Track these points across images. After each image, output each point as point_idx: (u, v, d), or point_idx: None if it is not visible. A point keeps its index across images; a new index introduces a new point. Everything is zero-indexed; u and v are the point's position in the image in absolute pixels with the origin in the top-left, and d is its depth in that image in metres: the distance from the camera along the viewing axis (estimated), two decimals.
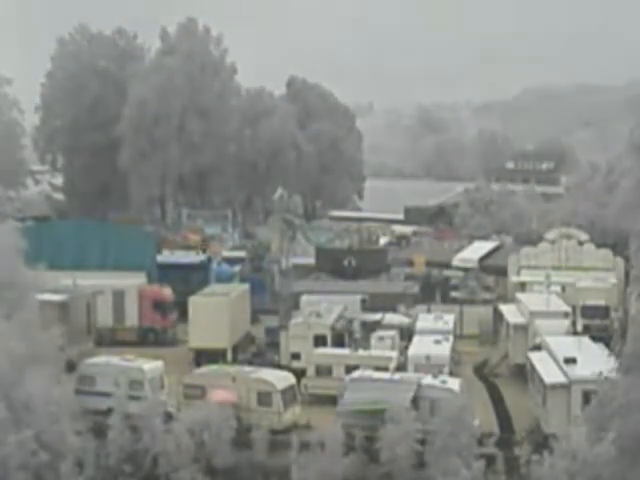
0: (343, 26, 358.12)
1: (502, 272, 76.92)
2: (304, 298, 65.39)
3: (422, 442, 43.07)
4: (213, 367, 51.80)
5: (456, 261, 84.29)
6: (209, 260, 76.57)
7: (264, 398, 47.66)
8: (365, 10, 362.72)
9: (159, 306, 65.75)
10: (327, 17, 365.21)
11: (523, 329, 59.01)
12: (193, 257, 78.21)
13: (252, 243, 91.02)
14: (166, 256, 77.35)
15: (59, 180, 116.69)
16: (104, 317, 64.33)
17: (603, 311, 64.13)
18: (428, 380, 47.06)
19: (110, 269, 67.53)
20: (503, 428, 48.18)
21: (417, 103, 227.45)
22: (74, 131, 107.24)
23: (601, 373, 40.85)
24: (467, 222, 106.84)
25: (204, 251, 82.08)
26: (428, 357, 52.51)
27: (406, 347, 55.88)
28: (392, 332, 58.54)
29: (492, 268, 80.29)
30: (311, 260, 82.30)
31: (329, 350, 55.79)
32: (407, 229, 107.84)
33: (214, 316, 59.87)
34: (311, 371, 53.56)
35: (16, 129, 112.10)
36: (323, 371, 53.15)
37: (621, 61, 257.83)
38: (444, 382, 46.91)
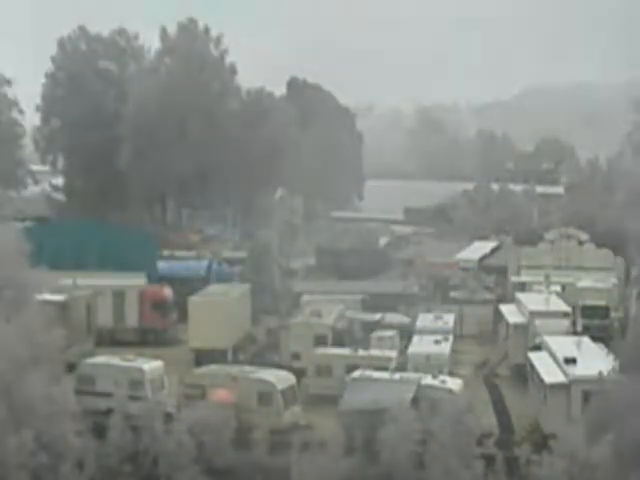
0: (341, 25, 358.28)
1: (502, 272, 76.93)
2: (304, 298, 65.41)
3: (422, 442, 43.11)
4: (213, 367, 51.82)
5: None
6: (210, 266, 75.94)
7: (264, 398, 47.66)
8: (365, 9, 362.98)
9: (159, 306, 65.75)
10: (326, 16, 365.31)
11: (523, 329, 59.04)
12: (194, 266, 76.81)
13: (252, 243, 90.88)
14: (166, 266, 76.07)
15: (59, 180, 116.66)
16: (104, 317, 64.28)
17: (603, 311, 64.08)
18: (428, 380, 47.12)
19: (110, 269, 67.50)
20: (503, 428, 48.20)
21: (417, 103, 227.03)
22: (74, 131, 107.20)
23: (601, 373, 40.92)
24: (467, 222, 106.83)
25: None
26: (428, 357, 52.55)
27: (406, 347, 55.90)
28: (392, 332, 58.58)
29: (492, 268, 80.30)
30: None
31: (329, 350, 55.81)
32: (407, 229, 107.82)
33: (214, 316, 59.85)
34: (311, 371, 53.57)
35: (16, 129, 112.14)
36: (323, 371, 53.17)
37: (621, 59, 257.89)
38: (444, 382, 46.97)
